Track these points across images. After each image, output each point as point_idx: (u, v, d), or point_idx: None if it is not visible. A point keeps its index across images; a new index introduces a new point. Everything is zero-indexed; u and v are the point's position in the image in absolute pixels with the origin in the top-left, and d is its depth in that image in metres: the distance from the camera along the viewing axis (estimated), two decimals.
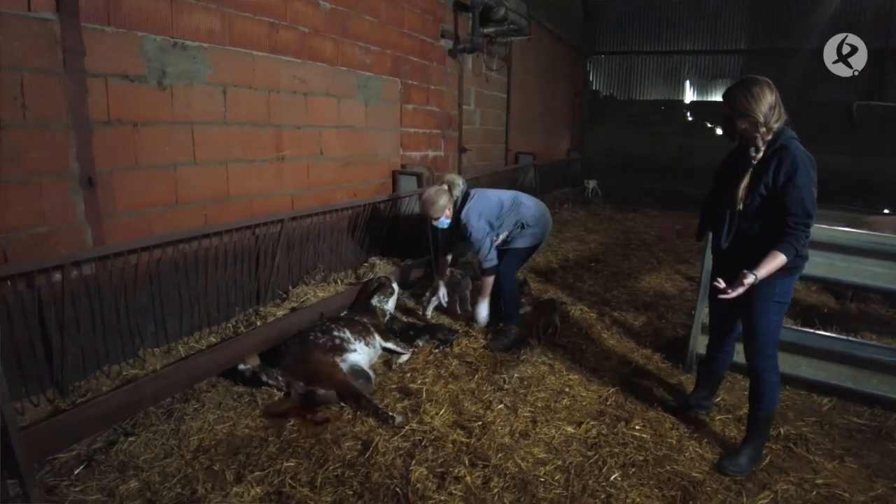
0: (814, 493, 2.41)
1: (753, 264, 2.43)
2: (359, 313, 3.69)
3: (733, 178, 2.46)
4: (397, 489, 2.33)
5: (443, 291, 4.16)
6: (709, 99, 13.58)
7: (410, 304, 4.60)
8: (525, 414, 2.95)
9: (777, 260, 2.25)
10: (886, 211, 7.76)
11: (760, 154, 2.37)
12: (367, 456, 2.54)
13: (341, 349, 3.18)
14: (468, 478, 2.40)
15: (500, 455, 2.58)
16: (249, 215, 3.59)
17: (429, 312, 4.36)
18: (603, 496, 2.34)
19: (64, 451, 2.43)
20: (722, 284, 2.31)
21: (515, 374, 3.40)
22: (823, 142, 10.90)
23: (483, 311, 3.95)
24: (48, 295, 2.48)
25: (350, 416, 2.90)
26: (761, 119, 2.32)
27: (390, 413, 2.84)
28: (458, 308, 4.45)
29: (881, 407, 3.11)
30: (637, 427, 2.86)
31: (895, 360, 3.07)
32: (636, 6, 13.80)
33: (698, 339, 3.46)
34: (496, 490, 2.34)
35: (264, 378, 3.02)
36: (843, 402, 3.20)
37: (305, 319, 3.44)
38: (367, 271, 4.50)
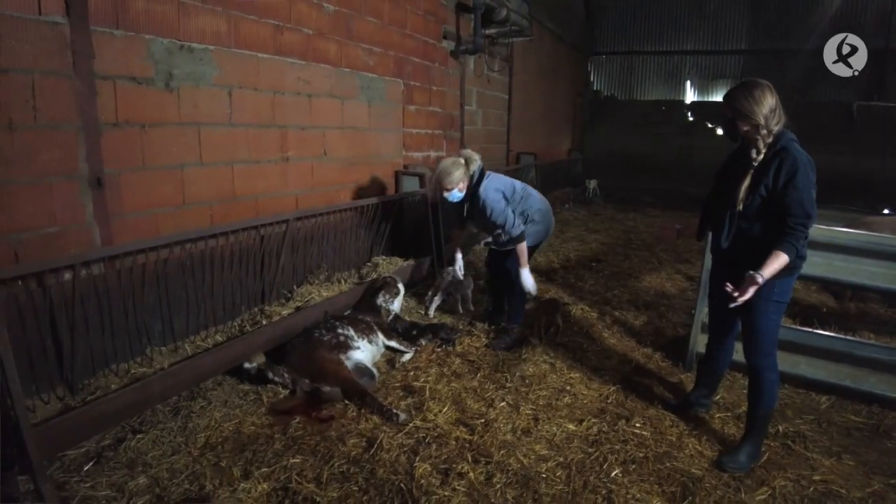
0: (811, 489, 2.44)
1: (753, 264, 2.47)
2: (362, 312, 3.73)
3: (734, 179, 2.50)
4: (402, 485, 2.37)
5: (460, 262, 4.17)
6: (709, 99, 13.60)
7: (413, 303, 4.64)
8: (527, 411, 2.99)
9: (780, 260, 2.28)
10: (886, 211, 7.80)
11: (761, 156, 2.41)
12: (371, 453, 2.58)
13: (346, 346, 3.22)
14: (471, 474, 2.44)
15: (502, 452, 2.62)
16: (255, 215, 3.64)
17: (431, 312, 4.41)
18: (604, 492, 2.38)
19: (73, 448, 2.47)
20: (730, 288, 2.32)
21: (517, 373, 3.44)
22: (823, 142, 10.96)
23: (529, 278, 3.81)
24: (58, 294, 2.52)
25: (354, 413, 2.94)
26: (762, 121, 2.36)
27: (394, 410, 2.88)
28: (459, 307, 4.49)
29: (879, 405, 3.15)
30: (637, 424, 2.90)
31: (893, 359, 3.11)
32: (637, 6, 13.83)
33: (698, 338, 3.50)
34: (499, 486, 2.38)
35: (270, 375, 3.06)
36: (841, 400, 3.24)
37: (310, 318, 3.48)
38: (370, 271, 4.53)
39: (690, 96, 13.90)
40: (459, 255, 4.19)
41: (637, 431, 2.84)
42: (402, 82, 5.32)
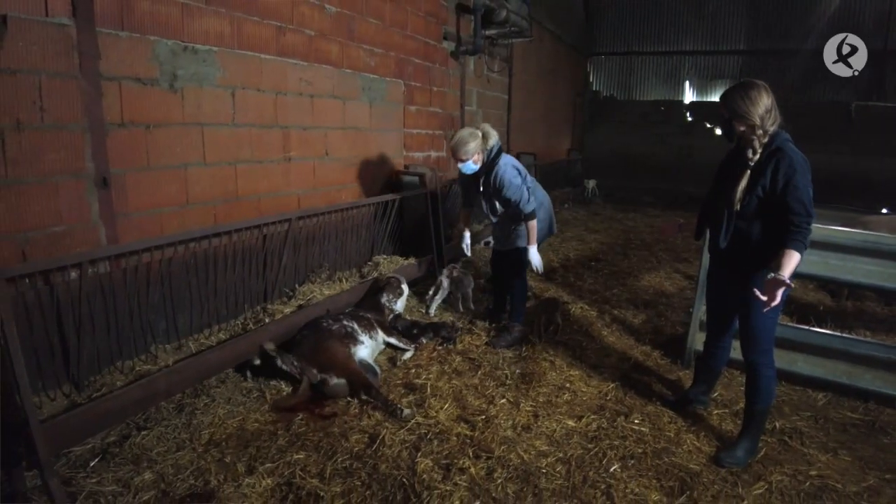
0: (807, 484, 2.48)
1: (750, 263, 2.52)
2: (364, 309, 3.77)
3: (731, 179, 2.54)
4: (404, 480, 2.40)
5: (467, 240, 4.18)
6: (708, 99, 13.65)
7: (413, 302, 4.68)
8: (527, 408, 3.03)
9: (794, 258, 2.29)
10: (885, 211, 7.83)
11: (757, 156, 2.45)
12: (374, 448, 2.61)
13: (353, 338, 3.28)
14: (472, 469, 2.47)
15: (503, 447, 2.65)
16: (257, 214, 3.67)
17: (432, 310, 4.44)
18: (603, 487, 2.41)
19: (79, 444, 2.50)
20: (763, 298, 2.31)
21: (517, 370, 3.48)
22: (822, 142, 11.01)
23: (536, 256, 3.80)
24: (65, 292, 2.55)
25: (357, 410, 2.97)
26: (758, 122, 2.40)
27: (398, 406, 2.91)
28: (460, 306, 4.53)
29: (875, 402, 3.19)
30: (636, 421, 2.94)
31: (889, 357, 3.14)
32: (636, 7, 13.87)
33: (696, 336, 3.53)
34: (500, 481, 2.42)
35: (279, 363, 3.06)
36: (837, 397, 3.27)
37: (312, 317, 3.51)
38: (371, 270, 4.57)
39: (689, 96, 13.94)
40: (468, 234, 4.20)
41: (636, 428, 2.87)
42: (402, 83, 5.36)
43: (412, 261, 4.91)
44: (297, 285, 3.98)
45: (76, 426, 2.34)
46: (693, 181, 11.67)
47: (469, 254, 4.28)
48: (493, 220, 3.93)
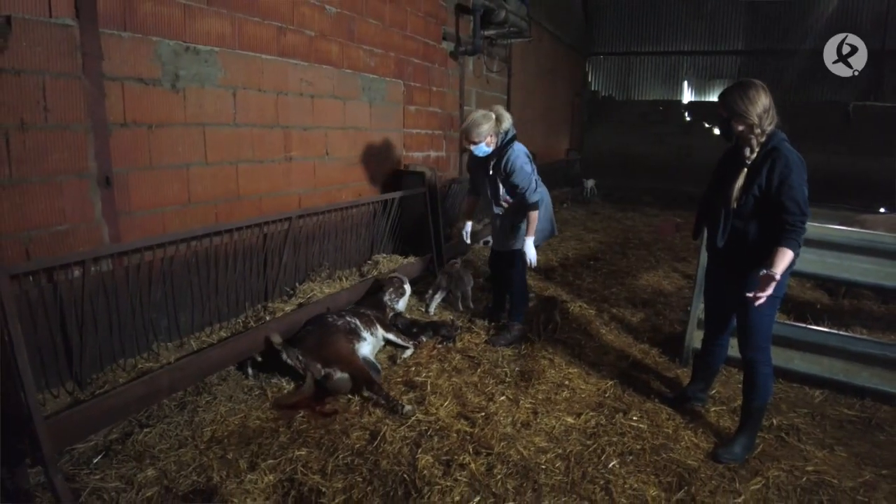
0: (804, 479, 2.51)
1: (748, 262, 2.54)
2: (365, 306, 3.80)
3: (728, 178, 2.56)
4: (405, 476, 2.43)
5: (468, 227, 4.17)
6: (707, 99, 13.69)
7: (413, 300, 4.70)
8: (526, 405, 3.06)
9: (787, 256, 2.33)
10: (883, 210, 7.86)
11: (755, 155, 2.47)
12: (375, 445, 2.64)
13: (357, 335, 3.31)
14: (472, 465, 2.50)
15: (502, 444, 2.68)
16: (259, 214, 3.69)
17: (432, 309, 4.47)
18: (602, 482, 2.44)
19: (82, 441, 2.52)
20: (750, 294, 2.36)
21: (517, 368, 3.51)
22: (820, 141, 11.06)
23: (531, 249, 3.72)
24: (67, 290, 2.57)
25: (358, 407, 3.00)
26: (756, 121, 2.42)
27: (399, 402, 2.94)
28: (459, 304, 4.55)
29: (871, 399, 3.21)
30: (635, 418, 2.96)
31: (885, 354, 3.17)
32: (635, 8, 13.92)
33: (694, 334, 3.55)
34: (499, 476, 2.44)
35: (284, 357, 3.08)
36: (834, 394, 3.30)
37: (313, 314, 3.53)
38: (370, 269, 4.60)
39: (688, 96, 13.98)
40: (469, 223, 4.18)
41: (634, 424, 2.90)
42: (402, 83, 5.39)
43: (412, 259, 4.94)
44: (297, 284, 4.01)
45: (80, 422, 2.37)
46: (692, 181, 11.69)
47: (468, 241, 4.25)
48: (496, 210, 3.87)
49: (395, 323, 3.91)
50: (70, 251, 2.61)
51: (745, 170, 2.50)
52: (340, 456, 2.55)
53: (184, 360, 2.85)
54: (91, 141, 2.68)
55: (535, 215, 3.68)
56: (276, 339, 3.13)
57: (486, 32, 6.92)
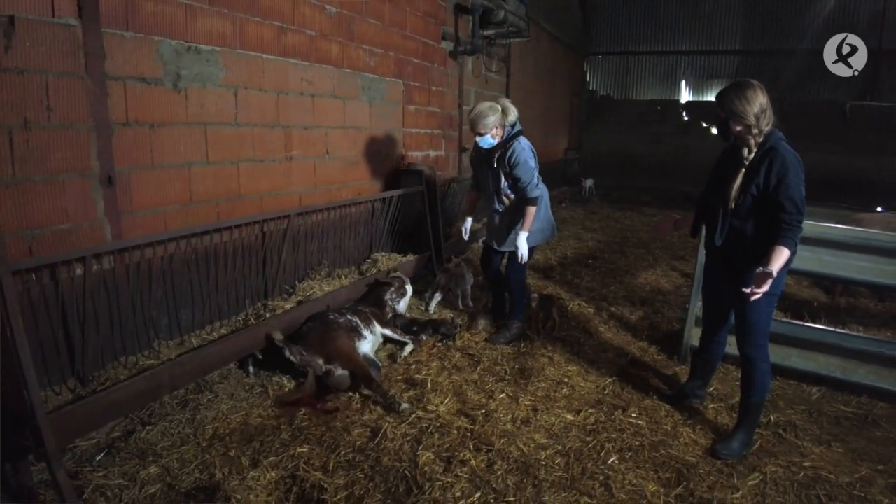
0: (801, 474, 2.53)
1: (746, 260, 2.57)
2: (364, 304, 3.82)
3: (726, 178, 2.59)
4: (406, 472, 2.45)
5: (468, 224, 4.16)
6: (704, 99, 13.72)
7: (412, 299, 4.71)
8: (526, 403, 3.08)
9: (783, 255, 2.35)
10: (880, 209, 7.90)
11: (753, 155, 2.50)
12: (376, 442, 2.66)
13: (358, 332, 3.34)
14: (473, 461, 2.52)
15: (502, 440, 2.70)
16: (259, 213, 3.69)
17: (432, 308, 4.49)
18: (601, 478, 2.46)
19: (85, 437, 2.54)
20: (747, 290, 2.38)
21: (516, 366, 3.53)
22: (818, 141, 11.10)
23: (524, 244, 3.68)
24: (69, 288, 2.58)
25: (359, 405, 3.02)
26: (753, 121, 2.44)
27: (397, 400, 2.96)
28: (459, 303, 4.57)
29: (868, 395, 3.24)
30: (633, 414, 2.99)
31: (881, 351, 3.20)
32: (633, 7, 13.94)
33: (692, 332, 3.58)
34: (500, 472, 2.47)
35: (287, 354, 3.10)
36: (831, 391, 3.33)
37: (312, 312, 3.55)
38: (369, 267, 4.62)
39: (686, 96, 14.01)
40: (469, 221, 4.18)
41: (633, 421, 2.92)
42: (402, 83, 5.40)
43: (411, 258, 4.96)
44: (296, 282, 4.03)
45: (83, 418, 2.38)
46: (690, 180, 11.71)
47: (467, 237, 4.24)
48: (497, 206, 3.85)
49: (394, 322, 3.93)
50: (71, 249, 2.62)
51: (743, 169, 2.52)
52: (342, 453, 2.57)
53: (184, 356, 2.87)
54: (94, 140, 2.69)
55: (532, 210, 3.67)
56: (278, 335, 3.15)
57: (485, 32, 6.94)
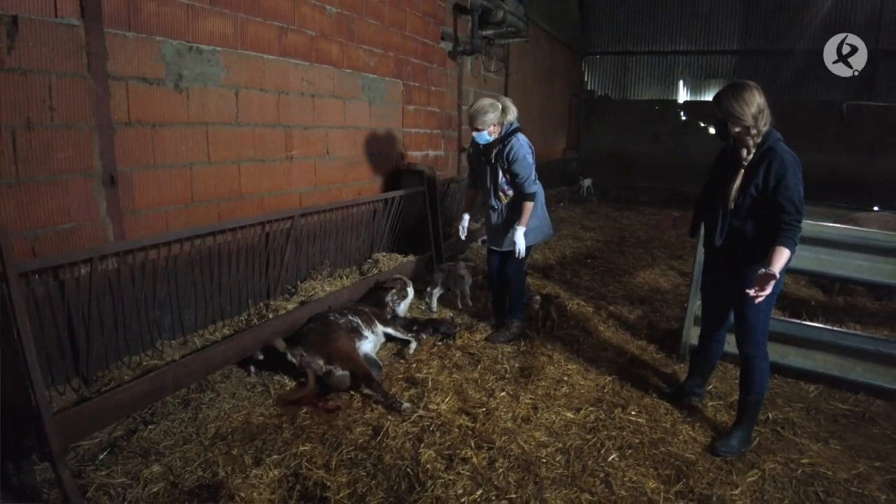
0: (799, 471, 2.56)
1: (744, 260, 2.59)
2: (365, 304, 3.83)
3: (726, 179, 2.60)
4: (408, 470, 2.46)
5: (465, 222, 4.16)
6: (702, 99, 13.77)
7: (413, 299, 4.72)
8: (526, 401, 3.10)
9: (784, 255, 2.37)
10: (876, 208, 7.93)
11: (751, 156, 2.52)
12: (378, 440, 2.67)
13: (358, 332, 3.35)
14: (475, 459, 2.54)
15: (503, 438, 2.72)
16: (260, 212, 3.72)
17: (433, 306, 4.50)
18: (602, 475, 2.48)
19: (89, 437, 2.55)
20: (752, 292, 2.38)
21: (516, 365, 3.55)
22: (815, 140, 11.15)
23: (521, 239, 3.69)
24: (73, 288, 2.59)
25: (360, 403, 3.03)
26: (751, 122, 2.46)
27: (398, 400, 2.97)
28: (459, 303, 4.59)
29: (865, 393, 3.27)
30: (633, 412, 3.01)
31: (879, 350, 3.22)
32: (631, 7, 13.97)
33: (691, 331, 3.60)
34: (501, 470, 2.48)
35: (288, 356, 3.12)
36: (829, 389, 3.35)
37: (314, 312, 3.56)
38: (370, 267, 4.63)
39: (683, 96, 14.05)
40: (467, 217, 4.18)
41: (633, 419, 2.94)
42: (401, 83, 5.42)
43: (411, 258, 4.97)
44: (298, 282, 4.04)
45: (88, 418, 2.38)
46: (688, 180, 11.77)
47: (464, 236, 4.23)
48: (493, 203, 3.86)
49: (395, 322, 3.94)
50: (75, 249, 2.63)
51: (742, 170, 2.54)
52: (344, 451, 2.59)
53: (188, 357, 2.88)
54: (96, 140, 2.70)
55: (529, 206, 3.69)
56: (281, 344, 3.18)
57: (484, 32, 6.96)
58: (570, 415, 2.97)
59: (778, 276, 2.36)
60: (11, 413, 2.14)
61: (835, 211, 5.48)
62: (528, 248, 3.84)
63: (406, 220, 5.19)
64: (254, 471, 2.43)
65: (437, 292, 4.54)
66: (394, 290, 4.02)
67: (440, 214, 5.37)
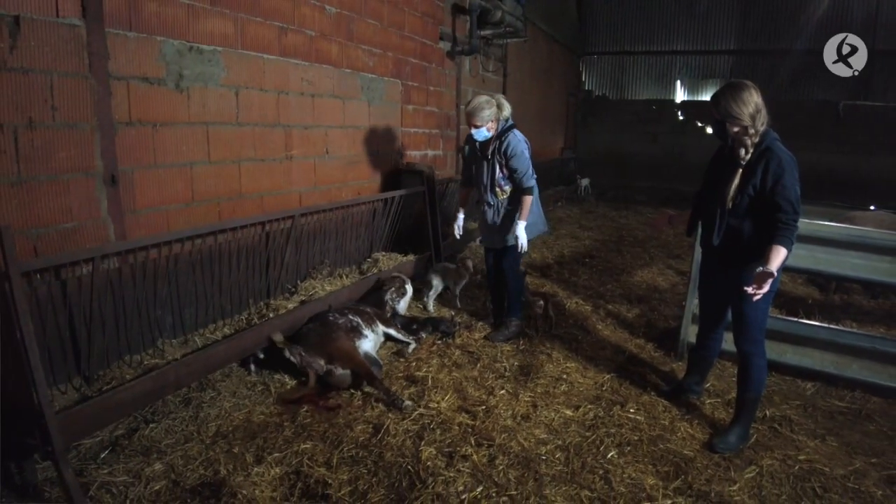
0: (796, 468, 2.58)
1: (742, 259, 2.61)
2: (365, 304, 3.84)
3: (724, 178, 2.62)
4: (409, 467, 2.48)
5: (461, 221, 4.16)
6: (699, 99, 13.81)
7: (412, 298, 4.74)
8: (526, 399, 3.12)
9: (781, 254, 2.39)
10: (873, 207, 7.97)
11: (749, 155, 2.54)
12: (378, 438, 2.69)
13: (358, 332, 3.36)
14: (475, 456, 2.56)
15: (503, 436, 2.73)
16: (260, 212, 3.73)
17: (430, 305, 4.52)
18: (601, 472, 2.50)
19: (88, 437, 2.55)
20: (750, 290, 2.41)
21: (516, 363, 3.57)
22: (812, 140, 11.18)
23: (523, 234, 3.71)
24: (75, 287, 2.60)
25: (360, 402, 3.05)
26: (749, 122, 2.48)
27: (400, 397, 2.99)
28: (457, 302, 4.61)
29: (861, 390, 3.30)
30: (632, 410, 3.03)
31: (875, 347, 3.25)
32: (628, 8, 14.01)
33: (689, 329, 3.63)
34: (501, 467, 2.50)
35: (287, 354, 3.13)
36: (826, 386, 3.38)
37: (314, 311, 3.58)
38: (370, 266, 4.65)
39: (681, 96, 14.09)
40: (461, 216, 4.18)
41: (631, 416, 2.97)
42: (400, 83, 5.43)
43: (410, 257, 4.99)
44: (298, 281, 4.05)
45: (90, 417, 2.40)
46: (685, 179, 11.81)
47: (459, 235, 4.22)
48: (489, 199, 3.86)
49: (395, 321, 3.95)
50: (76, 248, 2.64)
51: (740, 170, 2.56)
52: (345, 449, 2.60)
53: (189, 356, 2.89)
54: (97, 140, 2.71)
55: (528, 200, 3.72)
56: (278, 337, 3.17)
57: (483, 32, 6.98)
58: (569, 412, 2.99)
59: (776, 274, 2.38)
60: (14, 412, 2.15)
61: (831, 210, 5.51)
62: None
63: (405, 219, 5.21)
64: (255, 469, 2.44)
65: (433, 292, 4.55)
66: (392, 289, 4.04)
67: (439, 214, 5.38)
